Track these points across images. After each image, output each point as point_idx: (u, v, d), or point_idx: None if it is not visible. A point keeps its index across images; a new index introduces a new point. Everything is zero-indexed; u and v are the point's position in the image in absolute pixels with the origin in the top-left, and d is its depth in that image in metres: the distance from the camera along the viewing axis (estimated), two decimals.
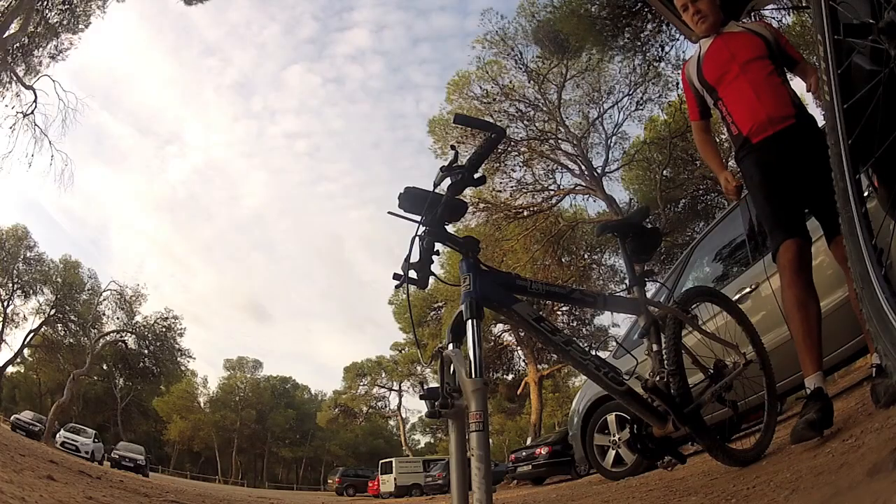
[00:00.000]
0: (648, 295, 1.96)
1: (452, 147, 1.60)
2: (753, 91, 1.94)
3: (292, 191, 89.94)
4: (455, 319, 1.31)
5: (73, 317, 26.86)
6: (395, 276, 1.32)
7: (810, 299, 1.76)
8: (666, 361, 1.67)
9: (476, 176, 1.35)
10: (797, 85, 2.08)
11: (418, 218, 1.33)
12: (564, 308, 18.37)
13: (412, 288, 1.33)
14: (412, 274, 1.31)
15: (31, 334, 26.34)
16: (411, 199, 1.34)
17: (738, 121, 2.00)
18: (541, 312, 1.45)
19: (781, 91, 1.93)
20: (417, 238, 1.32)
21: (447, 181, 1.36)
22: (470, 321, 1.24)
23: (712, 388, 1.73)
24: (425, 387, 1.28)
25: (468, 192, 1.48)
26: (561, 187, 16.11)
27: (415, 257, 1.32)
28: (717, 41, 2.10)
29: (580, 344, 1.52)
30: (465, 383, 1.16)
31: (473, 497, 1.07)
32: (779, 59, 1.99)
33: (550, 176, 16.28)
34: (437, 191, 1.35)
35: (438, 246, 1.35)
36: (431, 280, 1.34)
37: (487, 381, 1.19)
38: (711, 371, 1.81)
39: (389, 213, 1.35)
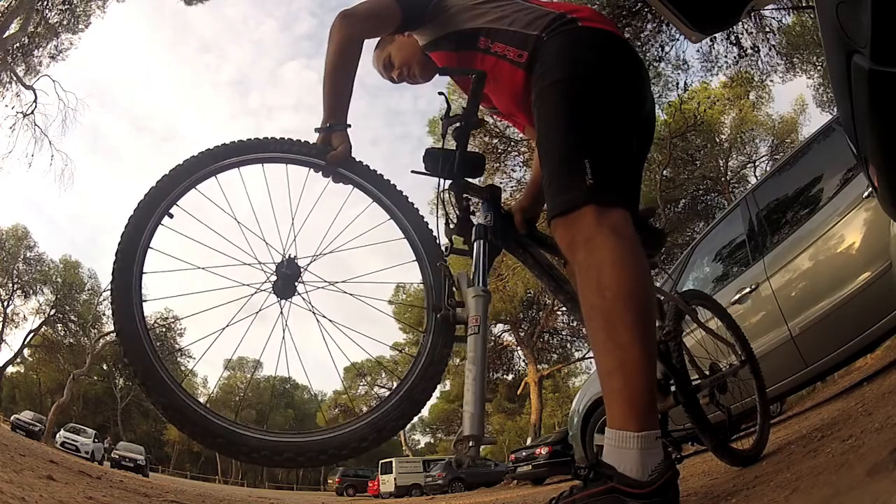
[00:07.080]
0: None
1: (441, 93, 1.54)
2: None
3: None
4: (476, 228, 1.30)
5: (73, 317, 26.87)
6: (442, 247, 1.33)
7: None
8: (665, 330, 1.65)
9: (474, 120, 1.36)
10: None
11: (439, 177, 1.34)
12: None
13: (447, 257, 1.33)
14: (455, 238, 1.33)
15: (31, 334, 26.36)
16: (433, 159, 1.37)
17: None
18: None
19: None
20: (443, 195, 1.34)
21: (450, 130, 1.37)
22: (478, 241, 1.26)
23: (707, 387, 1.72)
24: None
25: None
26: None
27: (443, 225, 1.33)
28: None
29: None
30: (466, 292, 1.16)
31: (464, 400, 1.04)
32: None
33: None
34: (447, 144, 1.37)
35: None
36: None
37: (489, 290, 1.17)
38: (707, 372, 1.81)
39: (413, 171, 1.37)
